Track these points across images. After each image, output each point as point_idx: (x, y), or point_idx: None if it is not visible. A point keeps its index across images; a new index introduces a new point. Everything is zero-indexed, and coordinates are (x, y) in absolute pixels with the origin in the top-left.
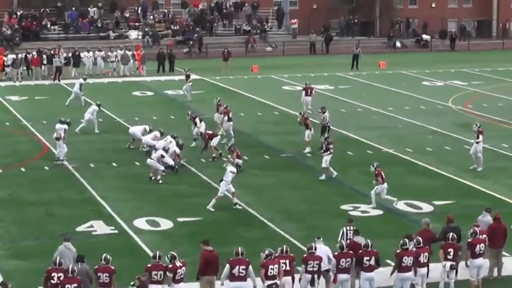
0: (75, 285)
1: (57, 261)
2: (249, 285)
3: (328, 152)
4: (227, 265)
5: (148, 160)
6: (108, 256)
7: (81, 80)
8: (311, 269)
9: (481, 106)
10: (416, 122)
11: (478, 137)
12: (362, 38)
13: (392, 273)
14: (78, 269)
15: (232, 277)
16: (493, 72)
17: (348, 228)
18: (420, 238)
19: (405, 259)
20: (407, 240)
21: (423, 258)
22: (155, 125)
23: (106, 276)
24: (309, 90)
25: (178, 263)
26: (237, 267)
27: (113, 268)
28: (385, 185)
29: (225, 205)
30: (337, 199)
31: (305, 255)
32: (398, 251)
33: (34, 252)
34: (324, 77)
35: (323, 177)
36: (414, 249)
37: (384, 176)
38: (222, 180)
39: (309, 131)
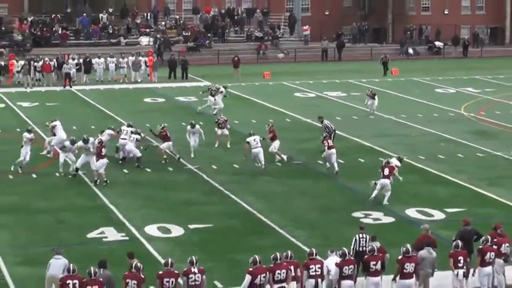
0: (96, 286)
1: (71, 269)
2: None
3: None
4: (247, 275)
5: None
6: (139, 264)
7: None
8: (313, 273)
9: (494, 114)
10: (429, 130)
11: None
12: (374, 45)
13: (393, 279)
14: (101, 275)
15: (254, 286)
16: (506, 79)
17: (361, 235)
18: (409, 246)
19: (407, 266)
20: (409, 247)
21: (410, 268)
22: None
23: (134, 283)
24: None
25: (193, 269)
26: (259, 276)
27: (143, 276)
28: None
29: (237, 212)
30: (349, 207)
31: (306, 261)
32: (399, 257)
33: (45, 259)
34: (336, 84)
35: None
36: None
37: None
38: None
39: (274, 143)
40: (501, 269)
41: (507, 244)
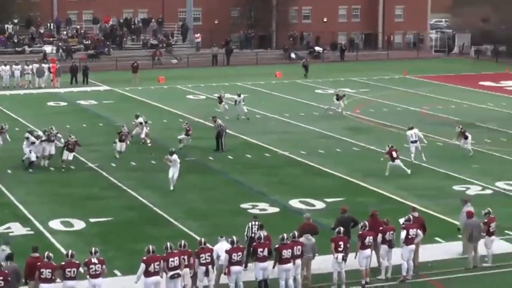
0: (1, 278)
1: None
2: (163, 279)
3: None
4: (142, 264)
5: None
6: (50, 254)
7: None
8: (204, 261)
9: (368, 112)
10: (310, 127)
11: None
12: (260, 51)
13: (274, 266)
14: (8, 267)
15: (148, 274)
16: (379, 80)
17: (253, 223)
18: (296, 232)
19: (285, 252)
20: (285, 236)
21: (296, 251)
22: (70, 133)
23: (48, 272)
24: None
25: (93, 259)
26: (152, 264)
27: (55, 265)
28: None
29: (134, 206)
30: (238, 199)
31: (196, 250)
32: (277, 245)
33: None
34: (225, 87)
35: None
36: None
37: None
38: None
39: (188, 138)
40: (386, 255)
41: (391, 232)
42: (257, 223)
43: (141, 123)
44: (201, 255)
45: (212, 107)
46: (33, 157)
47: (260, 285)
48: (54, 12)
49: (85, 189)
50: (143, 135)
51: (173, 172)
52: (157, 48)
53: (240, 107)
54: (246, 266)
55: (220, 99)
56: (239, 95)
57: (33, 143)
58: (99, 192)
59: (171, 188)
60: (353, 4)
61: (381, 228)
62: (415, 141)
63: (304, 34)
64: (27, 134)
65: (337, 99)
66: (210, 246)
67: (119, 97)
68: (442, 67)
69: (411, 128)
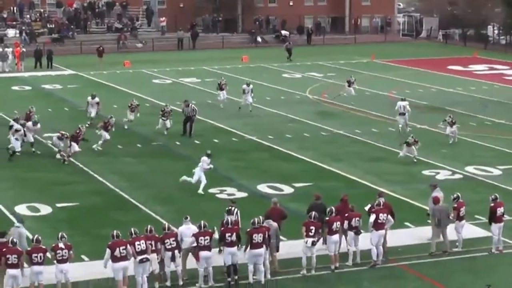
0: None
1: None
2: (131, 262)
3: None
4: (107, 249)
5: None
6: (15, 240)
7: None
8: (169, 246)
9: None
10: (277, 111)
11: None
12: (225, 34)
13: (245, 250)
14: None
15: (115, 259)
16: (346, 64)
17: (232, 208)
18: (261, 217)
19: (255, 236)
20: (256, 220)
21: (266, 236)
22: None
23: (15, 257)
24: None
25: (60, 244)
26: (118, 248)
27: (20, 249)
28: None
29: (101, 190)
30: (206, 184)
31: (161, 235)
32: (248, 230)
33: None
34: (191, 71)
35: None
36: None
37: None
38: None
39: (168, 121)
40: (353, 241)
41: (357, 218)
42: (233, 208)
43: (97, 103)
44: (166, 241)
45: (178, 93)
46: (17, 147)
47: (229, 270)
48: None
49: (52, 174)
50: (93, 114)
51: (200, 175)
52: (122, 32)
53: (248, 97)
54: (220, 251)
55: (220, 86)
56: (248, 85)
57: (17, 130)
58: (65, 177)
59: (201, 191)
60: None
61: (346, 214)
62: (403, 113)
63: (270, 18)
64: (11, 122)
65: (349, 85)
66: (175, 230)
67: (84, 82)
68: (410, 51)
69: (403, 100)
